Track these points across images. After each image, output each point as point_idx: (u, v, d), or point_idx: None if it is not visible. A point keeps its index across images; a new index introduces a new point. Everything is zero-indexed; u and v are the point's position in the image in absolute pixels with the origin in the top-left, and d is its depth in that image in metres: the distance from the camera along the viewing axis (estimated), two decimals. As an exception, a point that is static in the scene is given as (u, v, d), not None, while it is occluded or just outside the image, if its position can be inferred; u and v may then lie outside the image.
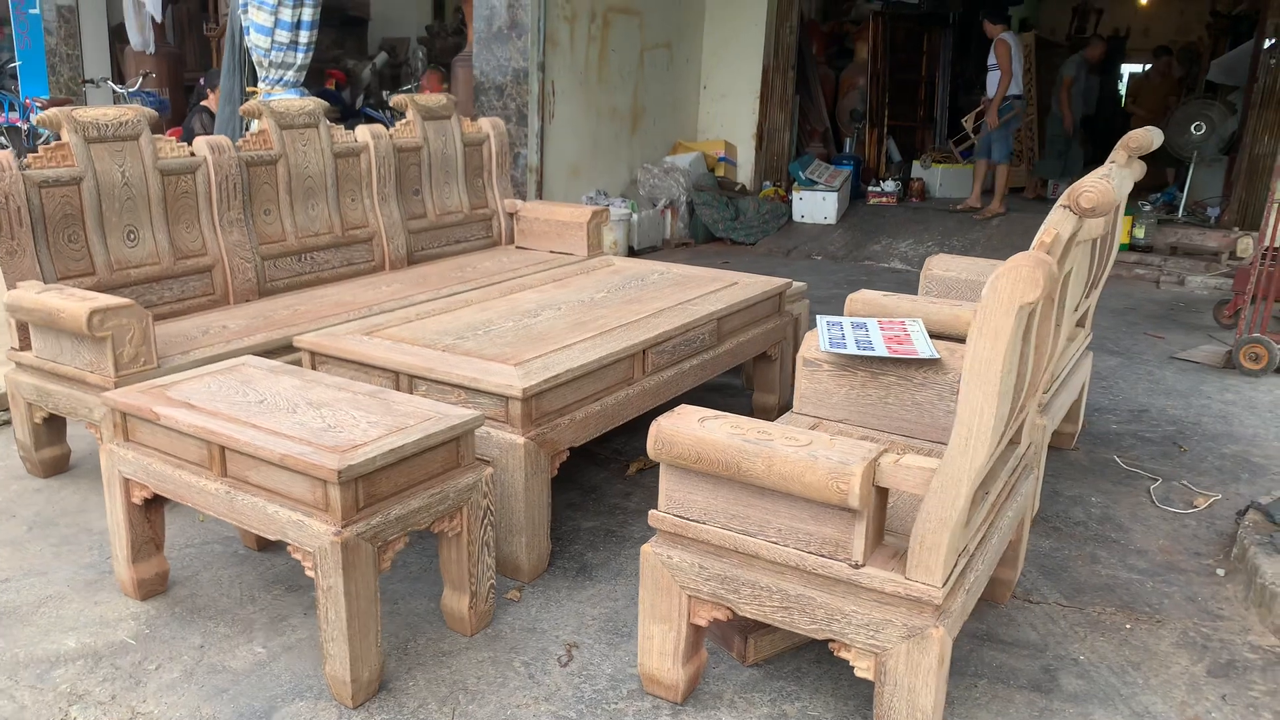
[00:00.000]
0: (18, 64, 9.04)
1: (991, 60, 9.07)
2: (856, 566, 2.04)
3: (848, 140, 10.76)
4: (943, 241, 8.50)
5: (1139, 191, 10.13)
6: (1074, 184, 1.97)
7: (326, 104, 4.51)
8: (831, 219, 9.24)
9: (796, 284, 4.57)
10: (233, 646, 2.54)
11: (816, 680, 2.45)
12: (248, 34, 5.47)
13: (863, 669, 2.09)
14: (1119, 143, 3.22)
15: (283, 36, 5.38)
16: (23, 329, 3.35)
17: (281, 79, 5.48)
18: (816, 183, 9.35)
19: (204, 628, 2.62)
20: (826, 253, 8.33)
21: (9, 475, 3.53)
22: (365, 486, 2.25)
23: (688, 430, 2.12)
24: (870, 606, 2.04)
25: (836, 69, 11.32)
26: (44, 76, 9.25)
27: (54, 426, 3.49)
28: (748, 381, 4.51)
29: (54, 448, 3.52)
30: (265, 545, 3.01)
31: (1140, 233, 7.98)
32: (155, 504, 2.67)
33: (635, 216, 7.81)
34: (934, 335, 2.91)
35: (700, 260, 7.73)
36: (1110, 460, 3.87)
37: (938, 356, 2.71)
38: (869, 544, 2.04)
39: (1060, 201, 2.00)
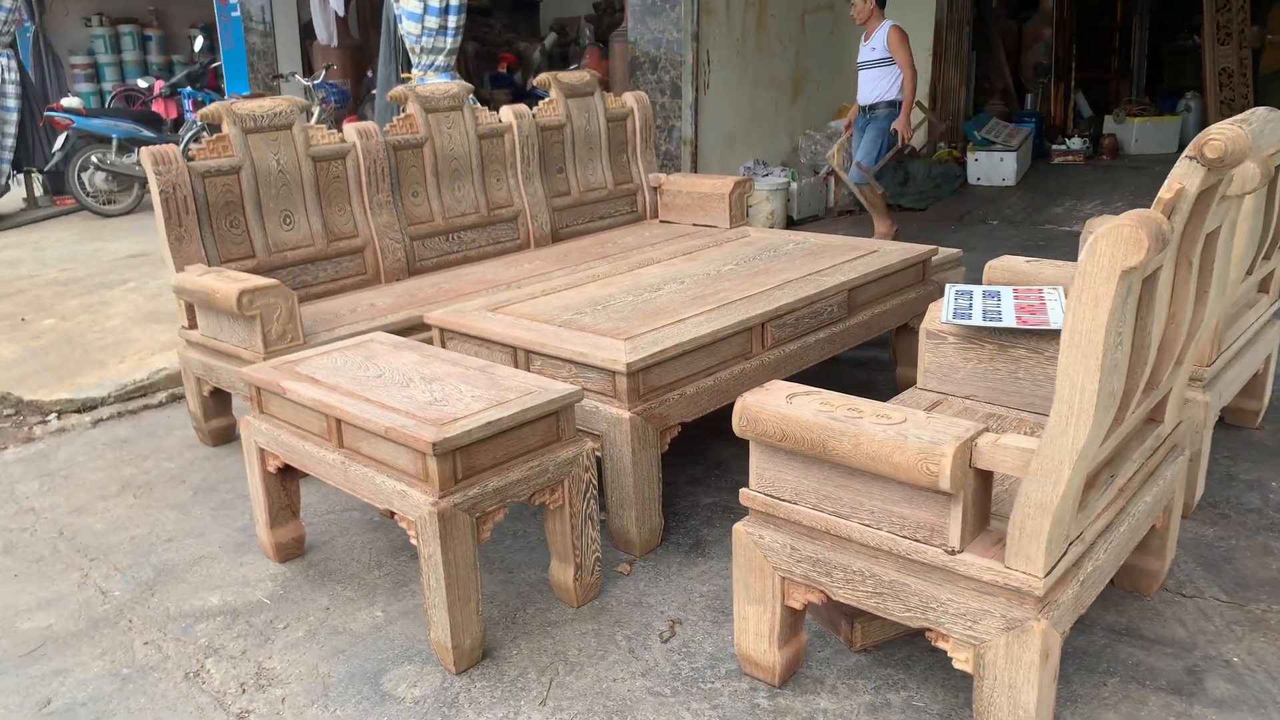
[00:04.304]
0: (219, 64, 9.77)
1: (876, 52, 6.45)
2: (952, 553, 1.91)
3: (1030, 96, 10.10)
4: (1134, 201, 7.85)
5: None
6: (1202, 131, 1.75)
7: (471, 86, 4.63)
8: (1010, 181, 8.72)
9: (947, 251, 4.33)
10: (355, 609, 2.67)
11: (926, 669, 2.33)
12: (400, 22, 5.69)
13: (960, 660, 1.96)
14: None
15: (432, 22, 5.56)
16: (190, 309, 3.63)
17: (433, 64, 5.67)
18: (994, 142, 8.84)
19: (332, 590, 2.77)
20: (1003, 217, 7.86)
21: (184, 444, 3.85)
22: (463, 458, 2.30)
23: (773, 407, 2.04)
24: (967, 595, 1.91)
25: (1020, 21, 10.63)
26: (244, 74, 9.98)
27: (220, 399, 3.77)
28: (894, 354, 4.32)
29: (221, 419, 3.80)
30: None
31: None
32: (289, 473, 2.84)
33: (795, 185, 7.62)
34: (1075, 304, 2.68)
35: (862, 228, 7.47)
36: (1301, 441, 3.47)
37: (1071, 327, 2.48)
38: (967, 529, 1.91)
39: (1186, 152, 1.78)
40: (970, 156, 8.83)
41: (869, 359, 4.48)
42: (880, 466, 1.90)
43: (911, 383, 4.02)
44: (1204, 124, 10.16)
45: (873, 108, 6.57)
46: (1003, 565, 1.86)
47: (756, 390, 2.13)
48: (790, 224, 7.59)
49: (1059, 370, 1.72)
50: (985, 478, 1.93)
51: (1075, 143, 9.47)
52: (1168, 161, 9.37)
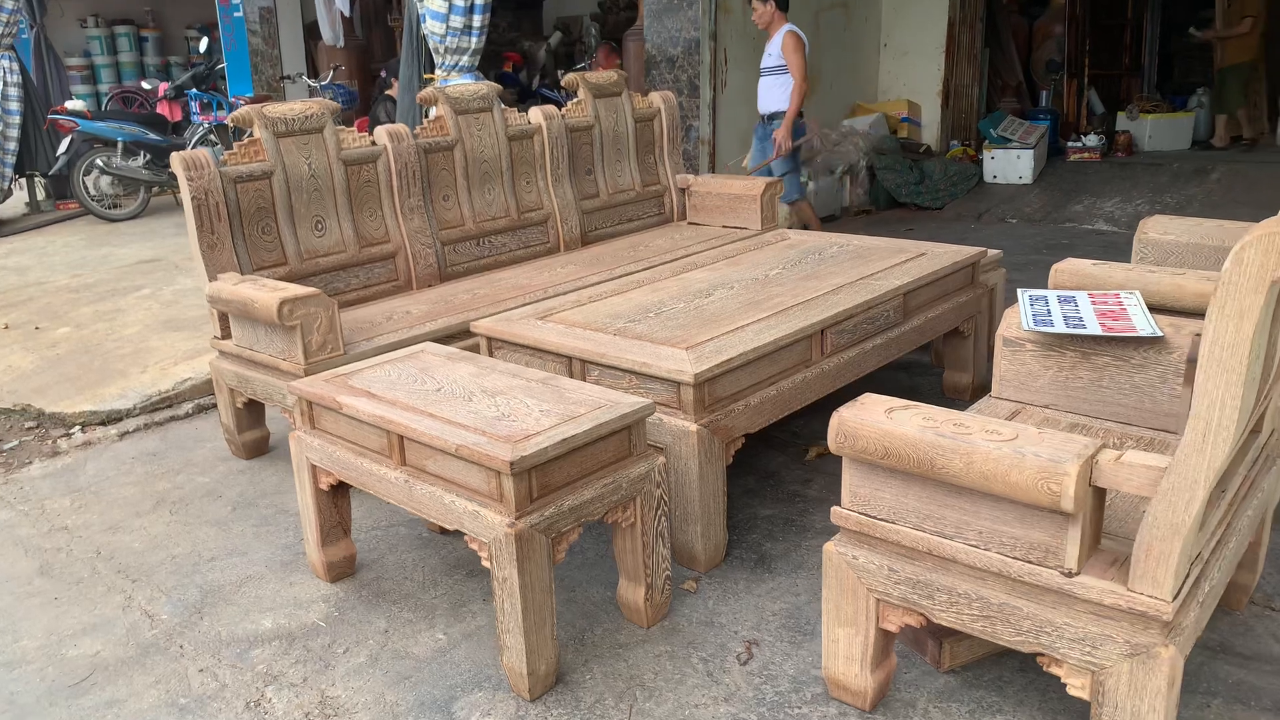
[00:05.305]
0: (224, 65, 9.64)
1: (773, 59, 6.02)
2: (1069, 575, 1.82)
3: (1044, 93, 10.04)
4: (1154, 199, 7.79)
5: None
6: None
7: (500, 87, 4.53)
8: (1027, 178, 8.65)
9: (991, 252, 4.25)
10: (415, 632, 2.57)
11: (1021, 691, 2.24)
12: (424, 21, 5.58)
13: (1076, 687, 1.87)
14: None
15: (457, 21, 5.45)
16: (223, 318, 3.52)
17: (457, 64, 5.57)
18: (1010, 140, 8.77)
19: (388, 612, 2.67)
20: (1022, 215, 7.79)
21: (216, 457, 3.74)
22: (538, 477, 2.20)
23: (873, 423, 1.95)
24: (1085, 620, 1.83)
25: (1030, 17, 10.57)
26: (248, 76, 9.84)
27: (254, 411, 3.67)
28: (936, 359, 4.24)
29: (255, 431, 3.70)
30: (447, 529, 3.05)
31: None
32: (341, 490, 2.74)
33: (811, 185, 7.53)
34: (1154, 308, 2.60)
35: (882, 228, 7.39)
36: (1366, 445, 3.39)
37: (1160, 334, 2.41)
38: (1084, 550, 1.82)
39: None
40: (986, 154, 8.75)
41: (910, 362, 4.39)
42: (994, 486, 1.81)
43: (961, 389, 3.96)
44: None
45: (772, 117, 6.12)
46: (1125, 588, 1.77)
47: (852, 405, 2.04)
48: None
49: (1196, 386, 1.63)
50: (1100, 496, 1.85)
51: (1090, 139, 9.40)
52: (1184, 158, 9.36)
